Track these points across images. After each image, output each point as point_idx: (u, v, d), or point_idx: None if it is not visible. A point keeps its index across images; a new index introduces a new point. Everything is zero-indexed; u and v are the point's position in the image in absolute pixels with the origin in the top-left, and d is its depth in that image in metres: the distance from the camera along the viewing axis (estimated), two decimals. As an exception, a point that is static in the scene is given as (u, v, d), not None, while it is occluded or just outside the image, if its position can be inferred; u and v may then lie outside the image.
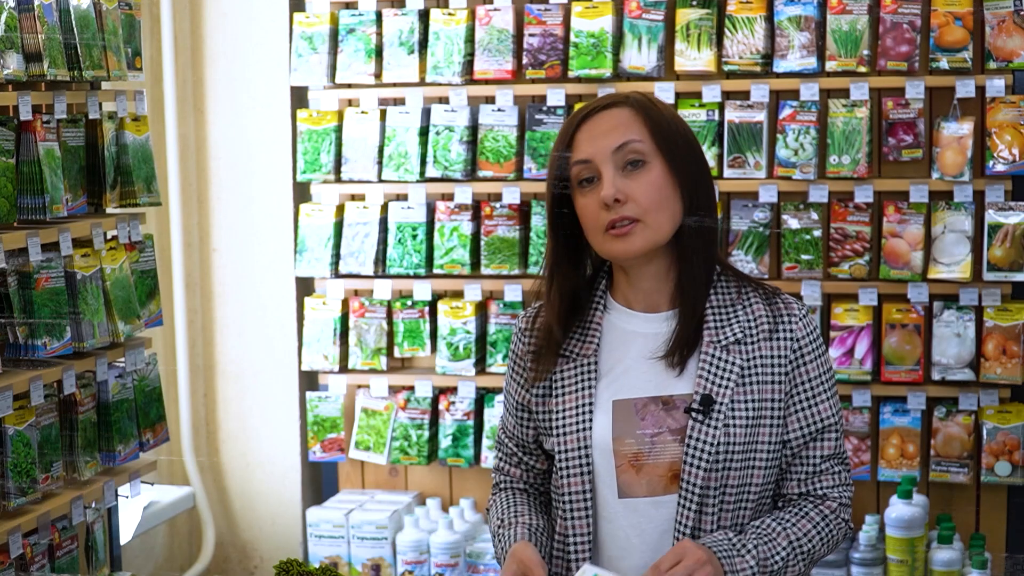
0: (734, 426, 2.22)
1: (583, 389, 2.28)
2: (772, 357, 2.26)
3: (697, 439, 2.21)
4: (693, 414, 2.22)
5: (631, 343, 2.30)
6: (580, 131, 2.27)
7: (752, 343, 2.26)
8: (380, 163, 4.50)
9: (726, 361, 2.24)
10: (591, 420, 2.26)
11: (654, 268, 2.30)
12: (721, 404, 2.22)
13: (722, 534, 2.21)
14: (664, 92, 4.20)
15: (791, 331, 2.28)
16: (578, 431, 2.26)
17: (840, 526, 2.30)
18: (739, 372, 2.24)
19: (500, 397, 4.47)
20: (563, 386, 2.30)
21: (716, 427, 2.21)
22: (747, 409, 2.23)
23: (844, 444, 2.32)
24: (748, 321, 2.27)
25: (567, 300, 2.32)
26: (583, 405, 2.27)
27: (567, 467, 2.27)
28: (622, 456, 2.24)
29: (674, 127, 2.28)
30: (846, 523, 2.31)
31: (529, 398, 2.35)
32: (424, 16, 4.45)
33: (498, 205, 4.42)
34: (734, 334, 2.26)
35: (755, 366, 2.25)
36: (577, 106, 4.27)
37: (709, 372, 2.24)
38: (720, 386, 2.23)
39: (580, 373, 2.29)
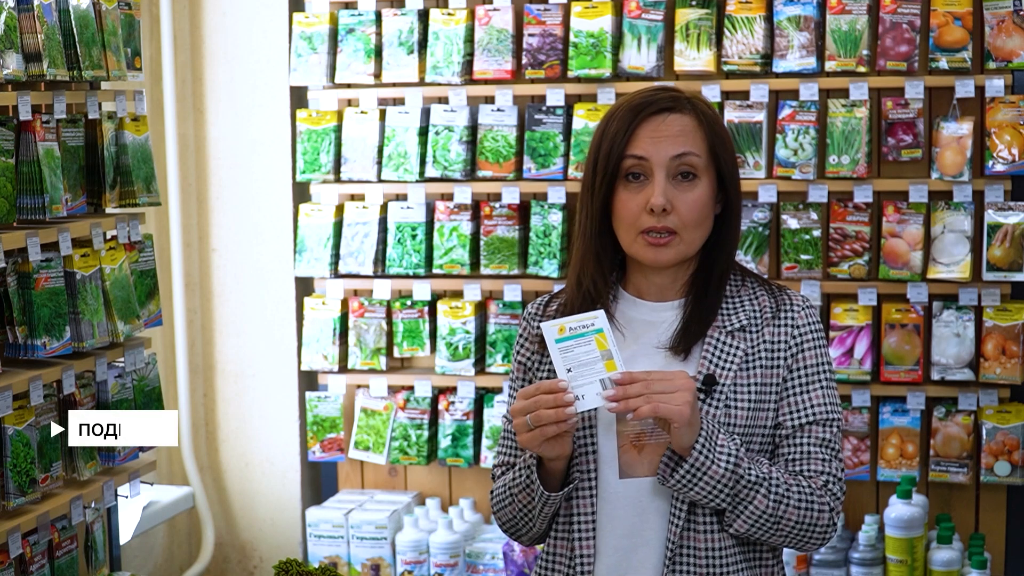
0: (736, 408, 2.26)
1: None
2: (773, 343, 2.31)
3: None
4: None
5: (640, 331, 2.34)
6: (642, 127, 2.29)
7: (756, 330, 2.31)
8: (379, 163, 4.50)
9: (730, 346, 2.29)
10: None
11: (673, 265, 2.34)
12: (724, 385, 2.26)
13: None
14: (663, 92, 4.20)
15: (792, 319, 2.33)
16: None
17: (822, 508, 2.24)
18: (742, 357, 2.29)
19: (500, 397, 4.47)
20: None
21: (718, 407, 2.25)
22: (749, 392, 2.28)
23: (840, 441, 2.31)
24: (753, 311, 2.33)
25: (604, 281, 2.36)
26: None
27: (573, 447, 2.29)
28: (624, 436, 2.27)
29: (727, 144, 2.34)
30: (830, 512, 2.26)
31: (540, 381, 2.37)
32: (424, 16, 4.45)
33: (497, 205, 4.42)
34: (739, 321, 2.31)
35: (758, 352, 2.30)
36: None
37: (713, 355, 2.28)
38: (723, 368, 2.27)
39: None
